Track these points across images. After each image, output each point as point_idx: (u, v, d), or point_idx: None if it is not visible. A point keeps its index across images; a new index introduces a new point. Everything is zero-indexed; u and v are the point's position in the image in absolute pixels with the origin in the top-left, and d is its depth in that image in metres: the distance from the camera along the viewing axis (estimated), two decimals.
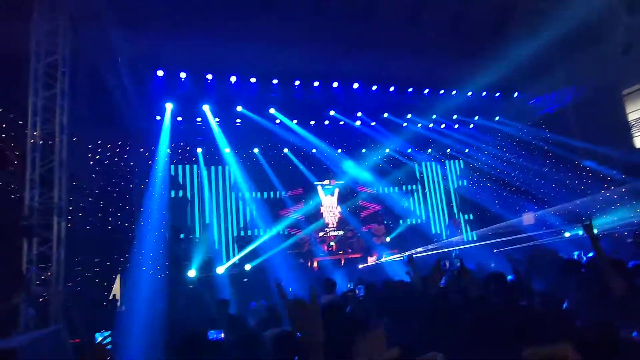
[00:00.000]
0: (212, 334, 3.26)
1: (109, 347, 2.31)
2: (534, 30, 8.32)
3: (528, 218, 11.52)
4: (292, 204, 11.94)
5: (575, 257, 6.21)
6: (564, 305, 3.41)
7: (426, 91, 11.03)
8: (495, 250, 10.39)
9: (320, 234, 12.15)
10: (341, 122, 11.43)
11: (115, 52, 7.78)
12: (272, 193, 11.96)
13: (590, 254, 4.62)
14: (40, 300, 6.13)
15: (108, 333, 2.34)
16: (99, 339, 2.32)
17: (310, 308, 1.65)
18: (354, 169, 12.26)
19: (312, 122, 11.25)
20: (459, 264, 3.40)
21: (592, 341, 2.01)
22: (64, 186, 6.42)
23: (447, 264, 3.43)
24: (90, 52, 7.48)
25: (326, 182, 12.51)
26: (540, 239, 10.57)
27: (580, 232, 9.57)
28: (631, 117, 11.27)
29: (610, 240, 8.86)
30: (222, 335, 3.27)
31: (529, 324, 2.44)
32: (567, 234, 10.46)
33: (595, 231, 3.24)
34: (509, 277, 4.69)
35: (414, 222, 13.16)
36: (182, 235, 10.09)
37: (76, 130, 7.17)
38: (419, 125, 12.04)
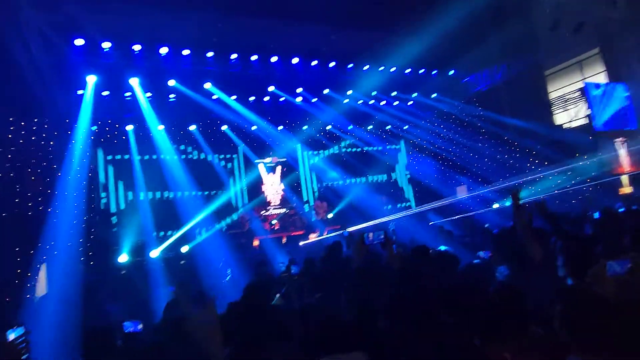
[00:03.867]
0: (129, 326, 3.07)
1: (22, 345, 2.05)
2: (466, 5, 8.54)
3: (461, 190, 12.13)
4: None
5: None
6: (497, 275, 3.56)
7: (366, 67, 11.01)
8: (430, 223, 10.86)
9: (263, 212, 12.01)
10: (281, 98, 11.18)
11: (22, 19, 6.91)
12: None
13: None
14: None
15: (22, 331, 2.06)
16: (11, 337, 2.04)
17: (206, 318, 1.49)
18: (294, 145, 12.13)
19: (252, 98, 10.90)
20: (382, 236, 3.41)
21: (501, 306, 2.12)
22: None
23: (371, 236, 3.41)
24: None
25: (268, 159, 12.30)
26: (472, 210, 11.19)
27: (508, 204, 10.26)
28: (552, 95, 12.16)
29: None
30: (140, 326, 3.09)
31: (445, 294, 2.52)
32: (495, 205, 11.15)
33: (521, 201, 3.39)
34: (443, 248, 4.89)
35: (355, 198, 13.36)
36: (113, 219, 9.51)
37: None
38: (360, 101, 12.08)
